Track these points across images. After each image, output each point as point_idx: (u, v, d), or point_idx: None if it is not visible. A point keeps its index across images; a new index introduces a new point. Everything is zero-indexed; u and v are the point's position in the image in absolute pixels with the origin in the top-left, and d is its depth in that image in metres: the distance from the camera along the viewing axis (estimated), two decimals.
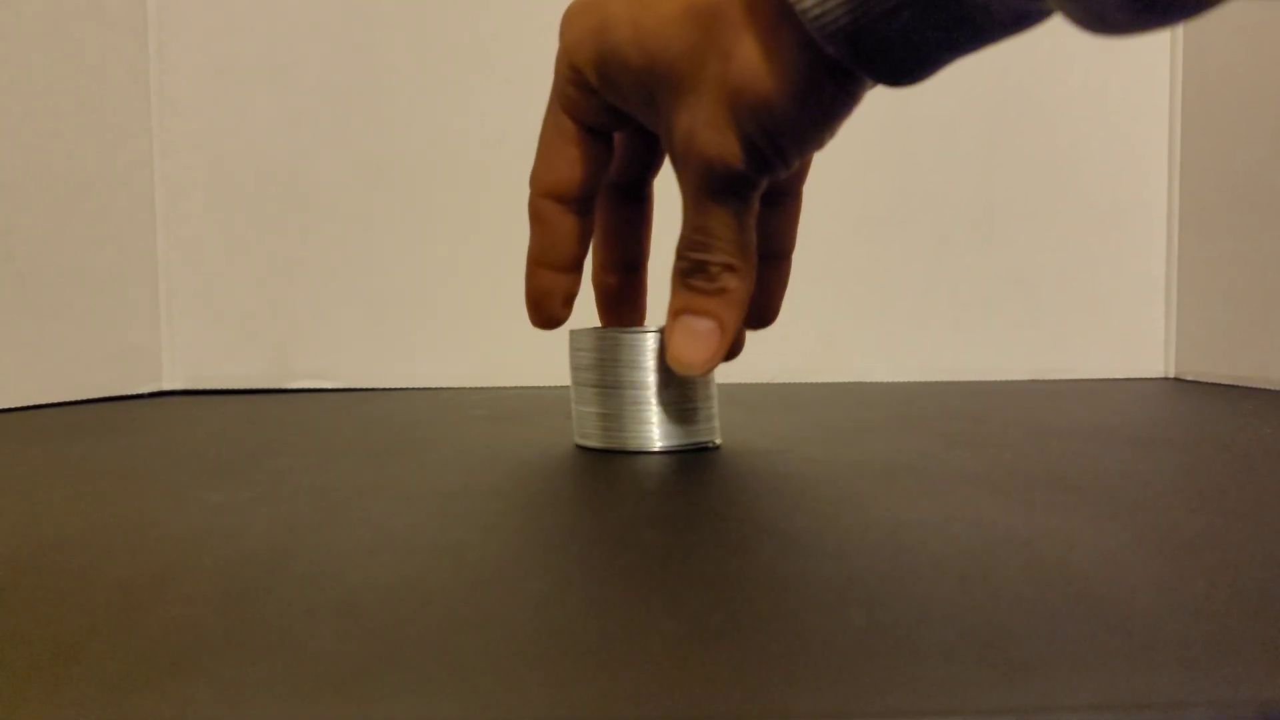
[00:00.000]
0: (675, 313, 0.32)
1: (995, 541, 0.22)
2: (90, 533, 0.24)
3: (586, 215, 0.34)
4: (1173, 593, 0.18)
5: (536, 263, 0.35)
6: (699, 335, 0.31)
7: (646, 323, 0.37)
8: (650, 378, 0.34)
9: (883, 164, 0.71)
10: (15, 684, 0.14)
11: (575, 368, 0.36)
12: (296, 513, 0.26)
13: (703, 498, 0.28)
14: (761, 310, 0.36)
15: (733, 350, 0.35)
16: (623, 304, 0.37)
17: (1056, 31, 0.77)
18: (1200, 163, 0.70)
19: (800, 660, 0.15)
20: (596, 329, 0.36)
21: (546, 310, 0.35)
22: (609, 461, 0.34)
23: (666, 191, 0.36)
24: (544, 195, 0.33)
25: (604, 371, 0.35)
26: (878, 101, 0.70)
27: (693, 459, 0.34)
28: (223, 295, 0.69)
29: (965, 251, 0.72)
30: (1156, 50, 0.72)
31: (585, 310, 0.37)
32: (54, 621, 0.17)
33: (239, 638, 0.16)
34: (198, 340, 0.69)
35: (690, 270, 0.31)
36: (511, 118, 0.67)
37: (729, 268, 0.31)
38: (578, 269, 0.35)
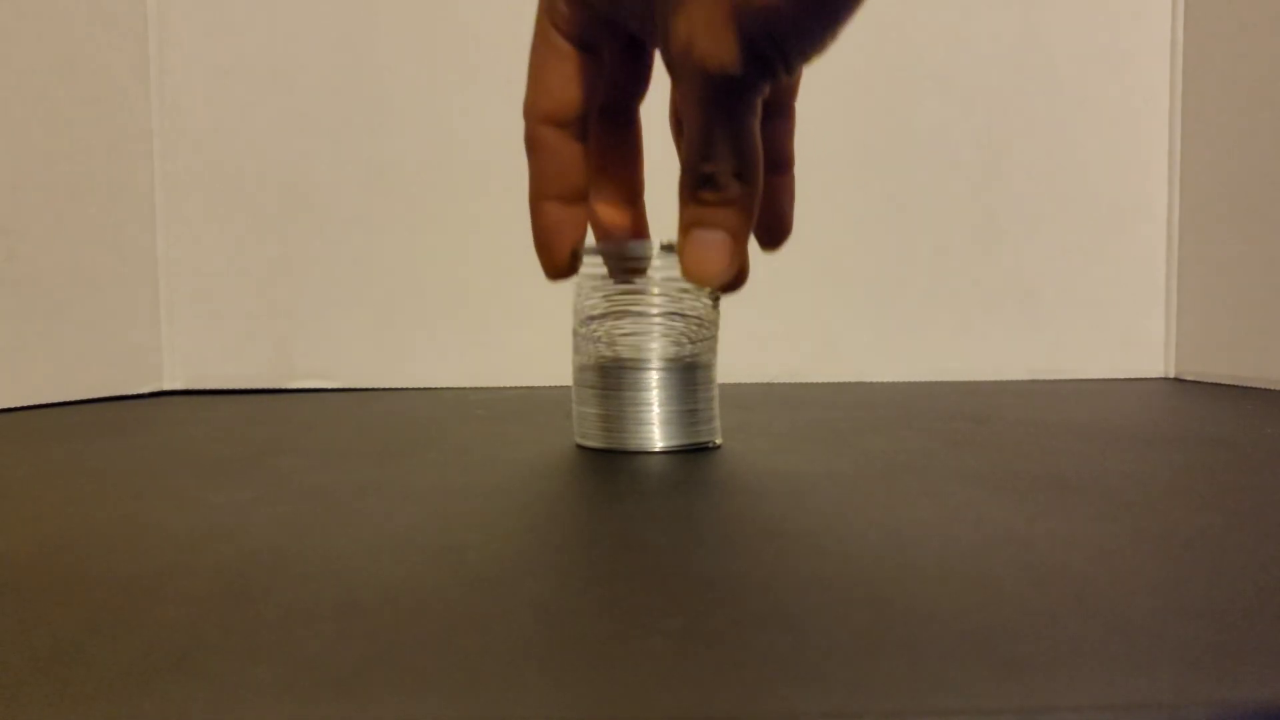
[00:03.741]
0: (686, 227, 0.31)
1: (995, 541, 0.22)
2: (90, 533, 0.24)
3: (585, 140, 0.33)
4: (1173, 593, 0.18)
5: (541, 197, 0.33)
6: (713, 246, 0.31)
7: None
8: (652, 378, 0.34)
9: (884, 164, 0.71)
10: (15, 684, 0.14)
11: (577, 368, 0.36)
12: (296, 513, 0.26)
13: (703, 497, 0.28)
14: (774, 224, 0.35)
15: (738, 278, 0.34)
16: (625, 236, 0.36)
17: (1057, 31, 0.76)
18: (1200, 163, 0.70)
19: (801, 660, 0.15)
20: (600, 334, 0.36)
21: (558, 250, 0.34)
22: (610, 461, 0.34)
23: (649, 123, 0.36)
24: (542, 121, 0.32)
25: (605, 372, 0.35)
26: (878, 101, 0.70)
27: (693, 459, 0.34)
28: (223, 295, 0.69)
29: (966, 251, 0.72)
30: (1156, 49, 0.72)
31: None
32: (54, 621, 0.17)
33: (239, 638, 0.16)
34: (198, 340, 0.69)
35: (698, 183, 0.30)
36: (511, 118, 0.67)
37: (736, 175, 0.30)
38: (583, 199, 0.34)
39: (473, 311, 0.70)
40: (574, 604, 0.18)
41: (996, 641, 0.15)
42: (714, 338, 0.36)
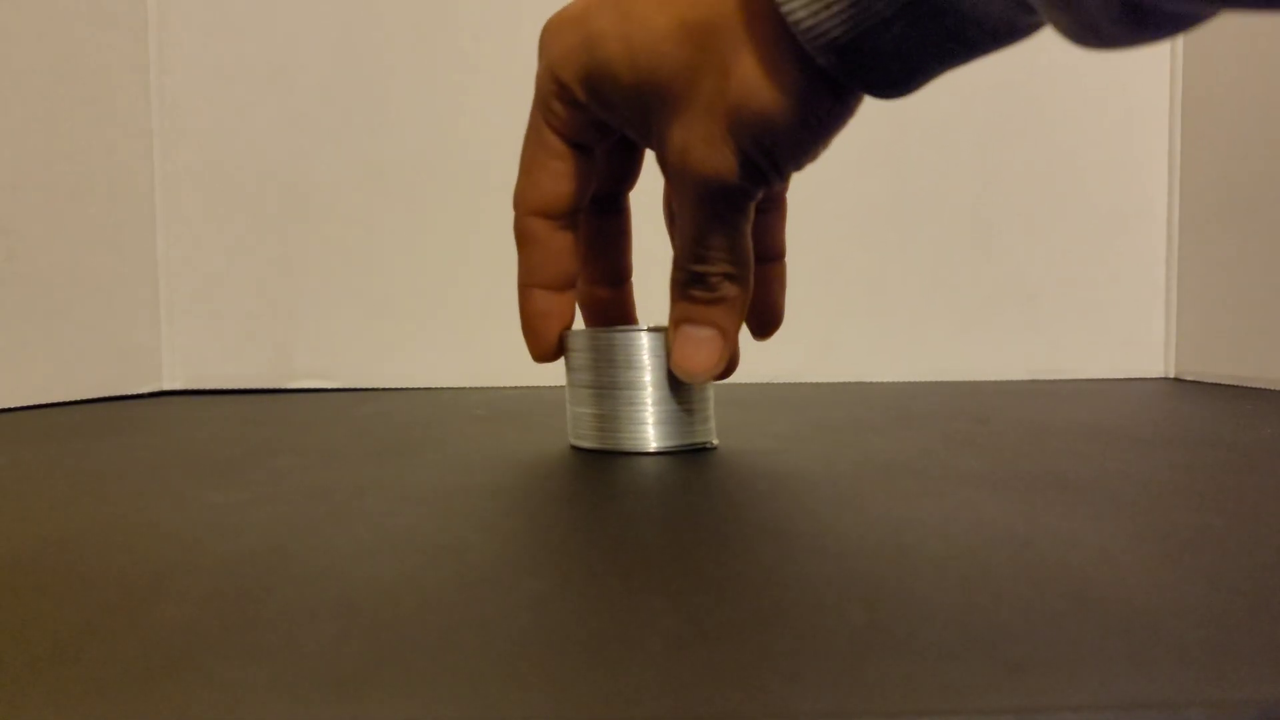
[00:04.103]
0: (676, 323, 0.32)
1: (995, 541, 0.22)
2: (90, 533, 0.24)
3: (575, 231, 0.34)
4: (1173, 593, 0.18)
5: (530, 285, 0.34)
6: (702, 343, 0.32)
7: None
8: (646, 378, 0.34)
9: (883, 165, 0.71)
10: (15, 684, 0.14)
11: (571, 369, 0.36)
12: (296, 513, 0.26)
13: (702, 497, 0.28)
14: (765, 314, 0.36)
15: (729, 365, 0.34)
16: (613, 318, 0.37)
17: (1056, 35, 0.76)
18: (1200, 164, 0.70)
19: (801, 660, 0.15)
20: (591, 330, 0.36)
21: (545, 336, 0.34)
22: (609, 462, 0.34)
23: (641, 203, 0.37)
24: (532, 214, 0.33)
25: (599, 373, 0.35)
26: (877, 103, 0.70)
27: (692, 459, 0.34)
28: (223, 295, 0.69)
29: (965, 252, 0.72)
30: (1156, 51, 0.72)
31: (579, 318, 0.37)
32: (54, 621, 0.17)
33: (239, 638, 0.16)
34: (198, 340, 0.69)
35: (689, 281, 0.31)
36: (510, 119, 0.67)
37: (728, 276, 0.31)
38: (571, 287, 0.35)
39: (472, 312, 0.70)
40: (573, 603, 0.18)
41: (996, 641, 0.15)
42: None
